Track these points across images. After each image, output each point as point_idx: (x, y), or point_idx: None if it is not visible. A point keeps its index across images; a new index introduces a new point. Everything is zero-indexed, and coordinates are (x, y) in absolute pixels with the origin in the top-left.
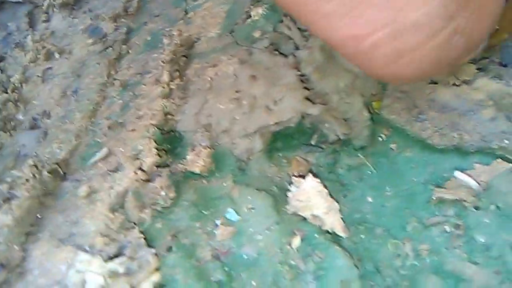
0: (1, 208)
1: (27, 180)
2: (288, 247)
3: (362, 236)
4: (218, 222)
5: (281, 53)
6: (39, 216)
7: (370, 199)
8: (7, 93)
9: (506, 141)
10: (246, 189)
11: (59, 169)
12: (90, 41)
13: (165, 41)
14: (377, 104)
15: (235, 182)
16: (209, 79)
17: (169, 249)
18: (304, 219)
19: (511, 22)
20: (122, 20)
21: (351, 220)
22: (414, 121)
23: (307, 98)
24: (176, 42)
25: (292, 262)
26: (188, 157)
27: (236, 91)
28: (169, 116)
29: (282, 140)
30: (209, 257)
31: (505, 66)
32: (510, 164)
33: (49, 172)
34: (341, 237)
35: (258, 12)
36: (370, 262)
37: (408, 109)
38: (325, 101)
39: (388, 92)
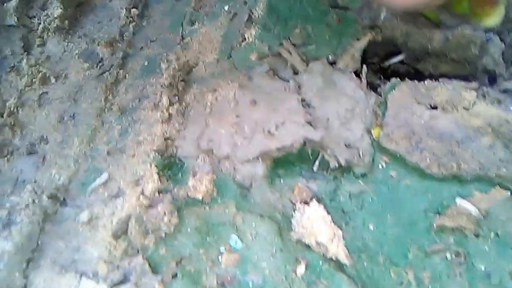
0: (0, 234)
1: (26, 205)
2: (293, 274)
3: (365, 263)
4: (222, 249)
5: (280, 78)
6: (40, 242)
7: (371, 227)
8: (3, 117)
9: (504, 169)
10: (249, 216)
11: (59, 195)
12: (86, 65)
13: (163, 65)
14: (376, 131)
15: (237, 208)
16: (209, 104)
17: (174, 275)
18: (308, 246)
19: None
20: (118, 45)
21: (353, 247)
22: (413, 150)
23: (309, 123)
24: (174, 66)
25: None
26: (189, 183)
27: (237, 116)
28: (169, 142)
29: (284, 167)
30: (214, 284)
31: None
32: (508, 192)
33: (48, 198)
34: (344, 264)
35: (251, 33)
36: None
37: (407, 138)
38: (326, 127)
39: (388, 120)
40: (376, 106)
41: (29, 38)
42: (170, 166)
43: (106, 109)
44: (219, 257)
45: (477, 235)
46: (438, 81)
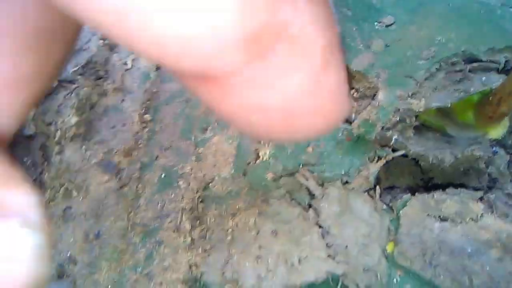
0: None
1: None
2: None
3: None
4: None
5: (298, 202)
6: None
7: None
8: None
9: None
10: None
11: None
12: (106, 178)
13: (181, 184)
14: (390, 246)
15: None
16: (230, 230)
17: None
18: None
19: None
20: (135, 153)
21: None
22: (427, 267)
23: (330, 255)
24: (192, 187)
25: None
26: None
27: (259, 247)
28: (193, 268)
29: None
30: None
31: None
32: None
33: None
34: None
35: (266, 152)
36: None
37: (421, 255)
38: (346, 256)
39: (401, 237)
40: (389, 221)
41: (47, 146)
42: None
43: (129, 228)
44: None
45: None
46: (445, 191)
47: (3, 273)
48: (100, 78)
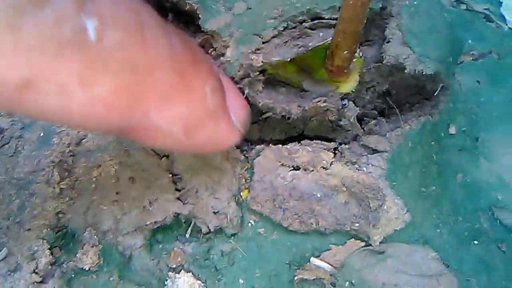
0: None
1: None
2: None
3: None
4: None
5: (157, 153)
6: None
7: (241, 281)
8: None
9: (357, 224)
10: (128, 285)
11: None
12: None
13: (55, 140)
14: (245, 193)
15: (120, 277)
16: (94, 179)
17: None
18: None
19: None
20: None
21: None
22: (277, 211)
23: (179, 198)
24: (64, 142)
25: None
26: (78, 254)
27: (117, 193)
28: (60, 215)
29: (162, 232)
30: None
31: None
32: (362, 243)
33: None
34: None
35: None
36: None
37: (271, 200)
38: (195, 199)
39: (254, 184)
40: (244, 171)
41: None
42: (62, 238)
43: (6, 183)
44: None
45: (334, 285)
46: (300, 143)
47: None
48: None
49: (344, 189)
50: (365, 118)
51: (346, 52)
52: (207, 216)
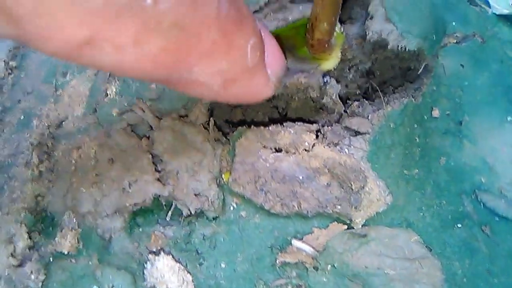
0: None
1: None
2: None
3: None
4: None
5: (137, 134)
6: None
7: (223, 265)
8: None
9: (339, 206)
10: (107, 268)
11: None
12: None
13: (35, 122)
14: (226, 176)
15: (99, 260)
16: (74, 161)
17: None
18: None
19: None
20: None
21: (206, 286)
22: (258, 193)
23: (159, 180)
24: (44, 124)
25: None
26: (56, 238)
27: (96, 174)
28: (39, 198)
29: (143, 215)
30: None
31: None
32: (345, 226)
33: None
34: None
35: (112, 89)
36: None
37: (253, 181)
38: (176, 180)
39: (235, 166)
40: (226, 153)
41: None
42: (41, 222)
43: None
44: None
45: (316, 268)
46: (283, 124)
47: None
48: None
49: (326, 171)
50: (348, 100)
51: (325, 24)
52: (187, 198)
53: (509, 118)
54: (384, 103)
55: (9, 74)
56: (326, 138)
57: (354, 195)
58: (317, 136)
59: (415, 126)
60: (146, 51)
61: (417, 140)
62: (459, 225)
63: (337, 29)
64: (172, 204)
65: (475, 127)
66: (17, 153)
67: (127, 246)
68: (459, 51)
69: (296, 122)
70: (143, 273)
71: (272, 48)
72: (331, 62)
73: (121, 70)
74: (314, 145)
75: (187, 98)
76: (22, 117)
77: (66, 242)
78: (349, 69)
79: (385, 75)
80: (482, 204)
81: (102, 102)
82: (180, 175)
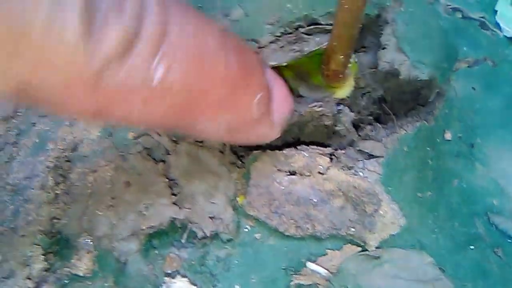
0: None
1: None
2: None
3: None
4: None
5: (153, 158)
6: None
7: (237, 287)
8: None
9: (353, 229)
10: None
11: None
12: None
13: (50, 145)
14: (241, 198)
15: (115, 283)
16: (90, 184)
17: None
18: None
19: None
20: (13, 121)
21: None
22: (273, 215)
23: (175, 203)
24: (59, 147)
25: None
26: (72, 260)
27: (112, 198)
28: (55, 221)
29: (158, 238)
30: None
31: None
32: (358, 248)
33: None
34: None
35: None
36: None
37: (268, 204)
38: (191, 203)
39: (250, 189)
40: (241, 176)
41: None
42: (57, 244)
43: (1, 188)
44: None
45: None
46: (297, 148)
47: None
48: None
49: (340, 194)
50: (361, 124)
51: (341, 56)
52: (203, 221)
53: None
54: (397, 127)
55: None
56: (340, 162)
57: (368, 218)
58: (331, 159)
59: (428, 149)
60: (153, 111)
61: (430, 162)
62: (472, 247)
63: (351, 59)
64: (187, 227)
65: (487, 150)
66: (33, 176)
67: (142, 268)
68: (470, 75)
69: (310, 146)
70: None
71: (280, 93)
72: (345, 90)
73: (128, 123)
74: (328, 168)
75: None
76: (37, 140)
77: (82, 264)
78: (361, 96)
79: (397, 100)
80: (494, 226)
81: (117, 125)
82: (196, 198)
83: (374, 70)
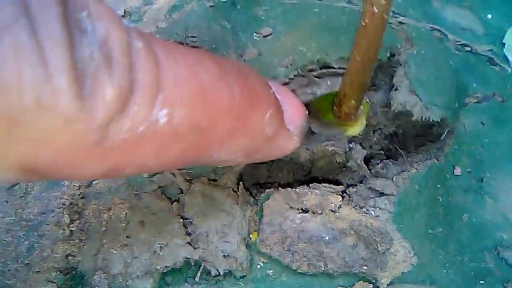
0: None
1: None
2: None
3: None
4: None
5: (167, 197)
6: None
7: None
8: None
9: (365, 267)
10: None
11: None
12: None
13: (65, 182)
14: (254, 236)
15: None
16: (104, 222)
17: None
18: None
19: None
20: None
21: None
22: (286, 253)
23: (189, 243)
24: (75, 185)
25: None
26: None
27: (127, 236)
28: (70, 258)
29: (172, 275)
30: None
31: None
32: (370, 285)
33: None
34: None
35: None
36: None
37: (280, 242)
38: (205, 243)
39: (263, 227)
40: (254, 213)
41: None
42: (72, 281)
43: (15, 223)
44: None
45: None
46: (309, 186)
47: None
48: None
49: (352, 232)
50: (371, 160)
51: (353, 101)
52: (217, 260)
53: None
54: (407, 164)
55: None
56: (352, 200)
57: (380, 256)
58: (342, 197)
59: (438, 185)
60: (166, 158)
61: (440, 199)
62: (482, 282)
63: None
64: (201, 265)
65: (496, 184)
66: (47, 211)
67: None
68: (479, 110)
69: (322, 184)
70: None
71: (290, 103)
72: (356, 128)
73: (144, 172)
74: (340, 206)
75: None
76: None
77: None
78: (373, 133)
79: (408, 137)
80: (504, 260)
81: None
82: (210, 237)
83: (386, 109)
